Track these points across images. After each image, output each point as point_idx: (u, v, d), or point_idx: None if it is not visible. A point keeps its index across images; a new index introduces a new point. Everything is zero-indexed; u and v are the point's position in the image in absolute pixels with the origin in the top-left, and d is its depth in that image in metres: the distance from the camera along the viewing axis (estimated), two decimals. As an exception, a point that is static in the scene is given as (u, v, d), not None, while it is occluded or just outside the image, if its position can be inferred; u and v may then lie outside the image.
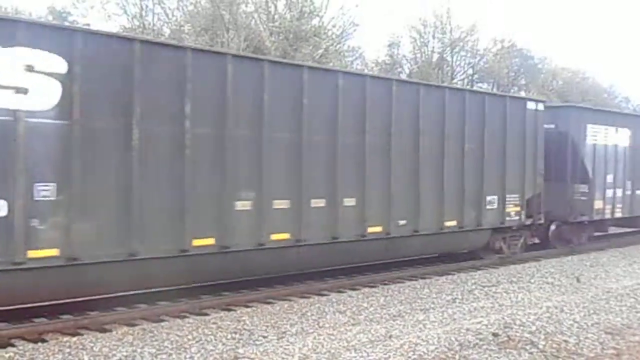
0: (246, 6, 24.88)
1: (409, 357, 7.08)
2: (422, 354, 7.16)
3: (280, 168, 10.49)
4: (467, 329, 8.16)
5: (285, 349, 7.46)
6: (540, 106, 15.76)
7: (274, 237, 10.43)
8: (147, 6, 25.63)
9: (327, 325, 8.89)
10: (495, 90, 31.62)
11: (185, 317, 9.34)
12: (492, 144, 14.19)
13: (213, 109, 9.74)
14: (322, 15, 26.07)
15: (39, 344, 7.74)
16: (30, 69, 7.98)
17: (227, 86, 9.81)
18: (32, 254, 8.02)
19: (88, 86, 8.40)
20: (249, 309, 9.89)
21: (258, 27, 24.27)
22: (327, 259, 11.66)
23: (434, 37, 33.07)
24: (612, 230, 20.20)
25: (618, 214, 18.41)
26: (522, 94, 34.74)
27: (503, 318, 8.84)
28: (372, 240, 11.96)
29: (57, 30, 8.70)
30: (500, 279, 12.87)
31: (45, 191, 8.12)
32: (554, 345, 7.69)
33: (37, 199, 8.05)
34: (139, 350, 7.51)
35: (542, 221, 15.78)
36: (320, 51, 24.70)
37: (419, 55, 33.33)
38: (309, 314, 9.56)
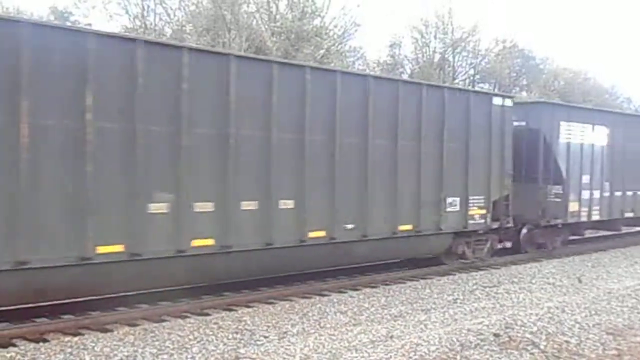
0: (248, 6, 24.90)
1: (410, 357, 7.07)
2: (423, 354, 7.16)
3: (204, 167, 9.51)
4: (469, 330, 8.16)
5: (286, 349, 7.46)
6: (508, 102, 14.80)
7: (196, 243, 9.43)
8: (148, 6, 25.68)
9: (328, 326, 8.90)
10: (497, 90, 31.62)
11: (186, 317, 9.35)
12: (452, 142, 13.22)
13: (121, 101, 8.67)
14: (323, 16, 26.11)
15: (41, 343, 7.75)
16: None
17: (138, 75, 8.75)
18: None
19: None
20: (250, 309, 9.89)
21: (259, 27, 24.29)
22: (260, 266, 10.64)
23: (435, 37, 33.07)
24: (612, 232, 20.16)
25: (595, 217, 17.44)
26: (524, 94, 34.76)
27: (504, 318, 8.83)
28: (314, 246, 10.96)
29: None
30: (501, 279, 12.87)
31: None
32: (555, 346, 7.68)
33: None
34: (140, 350, 7.52)
35: (510, 225, 14.89)
36: (322, 51, 24.70)
37: (420, 55, 33.34)
38: (310, 314, 9.57)
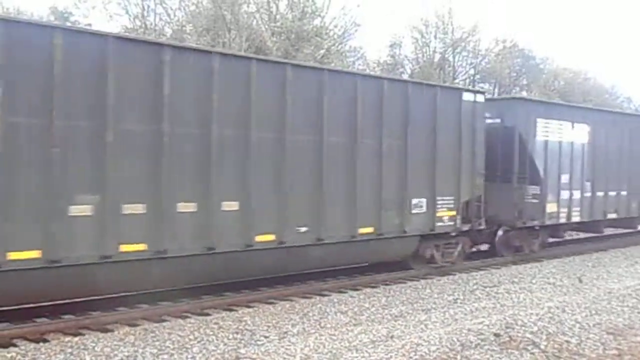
0: (248, 6, 24.90)
1: (411, 357, 7.07)
2: (423, 354, 7.16)
3: (133, 165, 8.78)
4: (469, 330, 8.16)
5: (286, 349, 7.46)
6: (480, 97, 14.00)
7: (125, 248, 8.72)
8: (148, 6, 25.67)
9: (328, 326, 8.90)
10: (497, 90, 31.64)
11: (186, 317, 9.35)
12: (418, 139, 12.43)
13: (34, 94, 8.01)
14: (323, 16, 26.09)
15: (41, 344, 7.75)
16: None
17: (54, 65, 8.06)
18: None
19: None
20: (250, 309, 9.90)
21: (260, 28, 24.28)
22: (201, 273, 9.95)
23: (435, 37, 33.04)
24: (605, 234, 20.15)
25: (575, 218, 16.67)
26: (524, 94, 34.72)
27: (505, 318, 8.83)
28: (262, 250, 10.24)
29: None
30: (501, 279, 12.87)
31: None
32: (556, 346, 7.68)
33: None
34: (140, 350, 7.52)
35: (482, 227, 14.09)
36: (322, 51, 24.69)
37: (420, 55, 33.31)
38: (310, 314, 9.57)
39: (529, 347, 7.56)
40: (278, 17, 24.88)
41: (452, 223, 13.27)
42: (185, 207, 9.31)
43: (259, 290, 11.10)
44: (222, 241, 9.70)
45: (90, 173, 8.44)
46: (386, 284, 12.17)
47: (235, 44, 22.77)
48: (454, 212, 13.26)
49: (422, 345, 7.44)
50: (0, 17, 8.49)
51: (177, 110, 9.17)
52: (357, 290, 11.56)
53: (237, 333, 8.41)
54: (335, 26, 26.87)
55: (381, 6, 46.78)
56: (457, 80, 32.94)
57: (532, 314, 9.19)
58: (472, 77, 34.88)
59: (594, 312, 9.54)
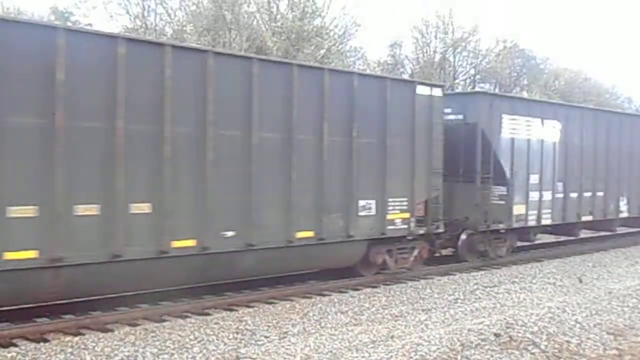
0: (248, 6, 24.93)
1: (411, 357, 7.07)
2: (424, 354, 7.15)
3: (20, 162, 7.90)
4: (469, 330, 8.16)
5: (287, 349, 7.46)
6: (437, 91, 12.98)
7: (11, 255, 7.81)
8: (149, 6, 25.70)
9: (329, 326, 8.91)
10: (497, 90, 31.59)
11: (187, 317, 9.35)
12: (365, 136, 11.52)
13: None
14: (324, 16, 26.13)
15: (41, 343, 7.75)
16: None
17: None
18: None
19: None
20: (250, 309, 9.90)
21: (260, 27, 24.30)
22: (105, 283, 8.94)
23: (436, 37, 33.07)
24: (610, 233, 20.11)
25: (546, 221, 15.71)
26: (524, 94, 34.71)
27: (505, 318, 8.83)
28: (180, 257, 9.29)
29: None
30: (502, 279, 12.87)
31: None
32: (556, 346, 7.68)
33: None
34: (140, 350, 7.52)
35: (440, 230, 13.13)
36: (323, 51, 24.70)
37: (421, 55, 33.32)
38: (310, 314, 9.57)
39: (529, 347, 7.55)
40: (278, 17, 24.89)
41: (405, 226, 12.30)
42: (86, 209, 8.38)
43: (260, 290, 11.10)
44: (131, 248, 8.74)
45: None
46: (386, 284, 12.16)
47: (236, 43, 22.80)
48: (407, 215, 12.31)
49: (423, 345, 7.43)
50: None
51: (75, 102, 8.22)
52: (357, 290, 11.56)
53: (237, 333, 8.41)
54: (336, 26, 26.93)
55: (382, 6, 46.82)
56: (457, 81, 32.96)
57: (532, 314, 9.18)
58: (472, 77, 34.90)
59: (594, 312, 9.53)
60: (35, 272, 8.09)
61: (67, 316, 9.08)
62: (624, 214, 18.54)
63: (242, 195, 9.94)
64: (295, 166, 10.52)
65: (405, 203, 12.26)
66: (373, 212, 11.74)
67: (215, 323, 8.90)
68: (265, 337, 8.24)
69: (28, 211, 7.96)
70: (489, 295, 11.23)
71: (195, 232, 9.40)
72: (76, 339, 7.95)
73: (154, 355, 7.36)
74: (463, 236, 14.39)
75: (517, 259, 15.54)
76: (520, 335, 8.00)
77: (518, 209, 14.90)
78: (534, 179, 15.30)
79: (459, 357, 7.16)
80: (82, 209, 8.37)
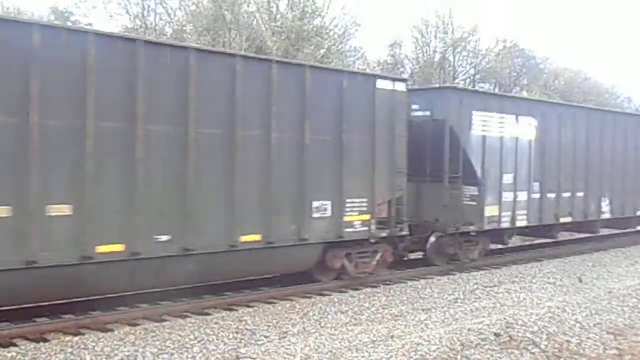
0: (248, 6, 24.93)
1: (411, 357, 7.07)
2: (424, 354, 7.15)
3: None
4: (469, 329, 8.16)
5: (287, 349, 7.46)
6: (400, 86, 12.19)
7: None
8: (149, 6, 25.69)
9: (329, 326, 8.91)
10: (497, 90, 31.58)
11: (187, 317, 9.35)
12: (319, 133, 10.80)
13: None
14: (324, 16, 26.13)
15: (41, 343, 7.76)
16: None
17: None
18: None
19: None
20: (250, 309, 9.90)
21: (260, 27, 24.30)
22: (20, 291, 8.20)
23: (436, 37, 33.06)
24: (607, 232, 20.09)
25: (522, 223, 14.92)
26: (525, 94, 34.71)
27: (505, 318, 8.83)
28: (106, 264, 8.57)
29: None
30: (502, 279, 12.87)
31: None
32: (556, 346, 7.68)
33: None
34: (141, 350, 7.52)
35: (405, 233, 12.39)
36: (323, 51, 24.71)
37: (421, 55, 33.32)
38: (311, 314, 9.57)
39: (530, 347, 7.55)
40: (278, 17, 24.89)
41: (365, 229, 11.57)
42: None
43: (260, 290, 11.09)
44: (49, 254, 8.05)
45: None
46: (386, 284, 12.16)
47: (236, 43, 22.79)
48: (367, 217, 11.58)
49: (423, 345, 7.43)
50: None
51: None
52: (357, 290, 11.56)
53: (237, 333, 8.41)
54: (336, 26, 26.93)
55: (382, 6, 46.84)
56: (457, 80, 32.95)
57: (532, 313, 9.18)
58: (472, 77, 34.90)
59: (594, 312, 9.53)
60: None
61: (67, 316, 9.08)
62: (606, 215, 17.73)
63: (178, 196, 9.20)
64: (239, 165, 9.80)
65: (365, 204, 11.56)
66: (329, 213, 11.04)
67: (216, 323, 8.90)
68: (266, 337, 8.24)
69: None
70: (489, 295, 11.23)
71: (124, 236, 8.68)
72: (76, 339, 7.96)
73: (154, 356, 7.36)
74: (432, 239, 13.65)
75: (517, 259, 15.54)
76: (520, 335, 8.00)
77: (490, 211, 14.10)
78: (507, 178, 14.53)
79: (459, 357, 7.16)
80: None
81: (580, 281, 12.63)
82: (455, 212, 13.47)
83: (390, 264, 12.68)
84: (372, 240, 11.90)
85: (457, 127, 13.47)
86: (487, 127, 14.07)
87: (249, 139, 9.96)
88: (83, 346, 7.62)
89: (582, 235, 18.93)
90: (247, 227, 9.94)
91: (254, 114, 10.05)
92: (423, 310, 10.01)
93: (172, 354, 7.43)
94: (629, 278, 13.21)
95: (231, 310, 9.87)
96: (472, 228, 13.86)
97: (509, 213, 14.57)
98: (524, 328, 8.31)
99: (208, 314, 9.54)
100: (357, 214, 11.43)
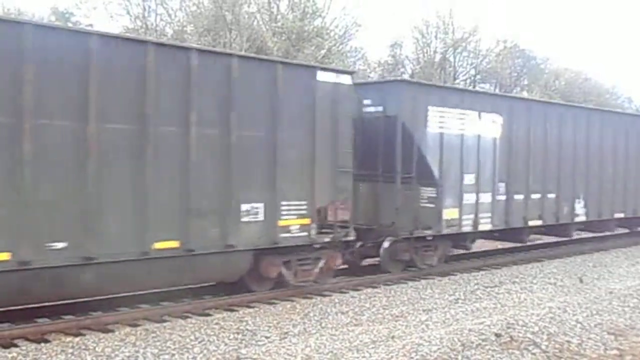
0: (249, 7, 24.96)
1: (412, 357, 7.07)
2: (424, 354, 7.15)
3: None
4: (470, 330, 8.15)
5: (287, 349, 7.46)
6: (345, 79, 11.20)
7: None
8: (149, 7, 25.73)
9: (329, 326, 8.91)
10: (497, 91, 31.56)
11: (188, 317, 9.35)
12: (248, 128, 9.85)
13: None
14: (324, 16, 26.17)
15: (42, 344, 7.76)
16: None
17: None
18: None
19: None
20: (251, 310, 9.90)
21: (260, 28, 24.33)
22: None
23: (436, 37, 33.11)
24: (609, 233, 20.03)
25: (485, 226, 13.89)
26: (525, 94, 34.71)
27: (505, 319, 8.82)
28: None
29: None
30: (502, 279, 12.87)
31: None
32: (557, 346, 7.68)
33: None
34: (141, 350, 7.52)
35: (351, 237, 11.47)
36: (323, 52, 24.72)
37: (421, 55, 33.35)
38: (311, 314, 9.57)
39: (530, 347, 7.55)
40: (279, 17, 24.92)
41: (304, 234, 10.57)
42: None
43: (260, 291, 11.07)
44: None
45: None
46: (387, 284, 12.16)
47: (236, 44, 22.81)
48: (307, 220, 10.58)
49: (423, 346, 7.43)
50: None
51: None
52: (358, 290, 11.55)
53: (238, 333, 8.41)
54: (336, 26, 26.99)
55: (382, 7, 46.88)
56: (457, 81, 32.97)
57: (533, 314, 9.18)
58: (472, 78, 34.93)
59: (595, 312, 9.53)
60: None
61: (67, 316, 9.08)
62: (581, 218, 16.68)
63: (77, 198, 8.19)
64: (150, 163, 8.76)
65: (304, 207, 10.55)
66: (261, 217, 10.01)
67: (216, 323, 8.91)
68: (266, 337, 8.24)
69: None
70: (489, 296, 11.23)
71: (10, 244, 7.70)
72: (77, 339, 7.96)
73: (154, 356, 7.36)
74: (385, 244, 12.52)
75: (517, 259, 15.52)
76: (521, 335, 7.99)
77: (449, 213, 13.09)
78: (469, 179, 13.50)
79: (459, 357, 7.16)
80: None
81: (581, 281, 12.63)
82: (409, 215, 12.57)
83: (348, 270, 12.21)
84: (317, 246, 10.97)
85: (411, 123, 12.52)
86: (445, 123, 13.08)
87: (164, 134, 8.95)
88: (84, 346, 7.63)
89: (583, 235, 18.95)
90: (162, 232, 8.94)
91: (169, 108, 9.04)
92: (424, 310, 10.01)
93: (173, 355, 7.43)
94: (630, 278, 13.20)
95: (232, 310, 9.87)
96: (428, 232, 12.89)
97: (471, 216, 13.59)
98: (524, 328, 8.31)
99: (209, 315, 9.54)
100: (294, 217, 10.45)
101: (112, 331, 8.47)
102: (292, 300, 10.57)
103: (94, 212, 8.30)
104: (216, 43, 22.83)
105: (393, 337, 8.05)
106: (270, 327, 8.79)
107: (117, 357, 7.29)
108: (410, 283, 12.31)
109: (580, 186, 16.54)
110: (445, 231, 13.09)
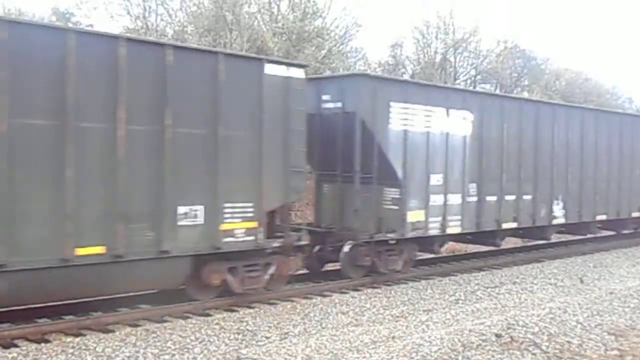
0: (249, 7, 24.95)
1: (412, 358, 7.07)
2: (425, 354, 7.15)
3: None
4: (470, 330, 8.16)
5: (288, 349, 7.46)
6: (297, 72, 10.50)
7: None
8: (150, 7, 25.71)
9: (329, 326, 8.91)
10: (498, 91, 31.56)
11: (188, 317, 9.36)
12: (185, 125, 9.20)
13: None
14: (325, 16, 26.17)
15: (42, 344, 7.77)
16: None
17: None
18: None
19: None
20: (251, 310, 9.90)
21: (261, 28, 24.33)
22: None
23: (437, 37, 33.08)
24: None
25: (454, 229, 13.17)
26: (525, 94, 34.71)
27: (506, 319, 8.83)
28: None
29: None
30: (503, 279, 12.87)
31: None
32: (557, 347, 7.68)
33: None
34: (142, 350, 7.53)
35: (304, 242, 10.90)
36: (324, 52, 24.72)
37: (421, 56, 33.33)
38: (311, 314, 9.57)
39: (531, 348, 7.55)
40: (279, 17, 24.92)
41: (251, 238, 9.90)
42: None
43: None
44: None
45: None
46: (387, 285, 12.16)
47: (237, 44, 22.81)
48: (254, 224, 9.92)
49: (424, 346, 7.43)
50: None
51: None
52: (358, 290, 11.56)
53: (238, 334, 8.42)
54: (337, 27, 26.98)
55: (382, 7, 46.91)
56: (458, 81, 32.98)
57: (533, 314, 9.18)
58: (473, 78, 34.93)
59: (595, 312, 9.53)
60: None
61: (68, 317, 9.09)
62: (560, 220, 15.94)
63: None
64: (71, 161, 8.10)
65: (250, 209, 9.88)
66: (200, 220, 9.36)
67: (217, 324, 8.91)
68: (267, 337, 8.24)
69: None
70: (490, 296, 11.23)
71: None
72: (77, 339, 7.96)
73: (155, 356, 7.37)
74: (345, 248, 11.84)
75: (518, 260, 15.52)
76: (521, 335, 7.99)
77: (414, 216, 12.37)
78: (436, 179, 12.77)
79: (460, 357, 7.16)
80: None
81: (581, 282, 12.62)
82: (370, 217, 12.00)
83: (306, 276, 11.78)
84: (268, 251, 10.40)
85: (371, 120, 11.79)
86: (409, 120, 12.32)
87: (87, 130, 8.29)
88: (84, 347, 7.63)
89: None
90: (85, 237, 8.29)
91: (94, 102, 8.40)
92: (424, 310, 10.01)
93: (173, 355, 7.43)
94: (630, 279, 13.20)
95: (232, 310, 9.88)
96: (391, 235, 12.18)
97: (438, 218, 12.83)
98: (525, 329, 8.31)
99: (209, 315, 9.54)
100: (239, 220, 9.79)
101: (113, 331, 8.47)
102: (293, 301, 10.58)
103: (4, 215, 7.65)
104: (217, 43, 22.83)
105: (393, 337, 8.05)
106: (270, 327, 8.79)
107: (117, 358, 7.29)
108: (411, 283, 12.31)
109: (559, 187, 15.83)
110: (410, 234, 12.37)
